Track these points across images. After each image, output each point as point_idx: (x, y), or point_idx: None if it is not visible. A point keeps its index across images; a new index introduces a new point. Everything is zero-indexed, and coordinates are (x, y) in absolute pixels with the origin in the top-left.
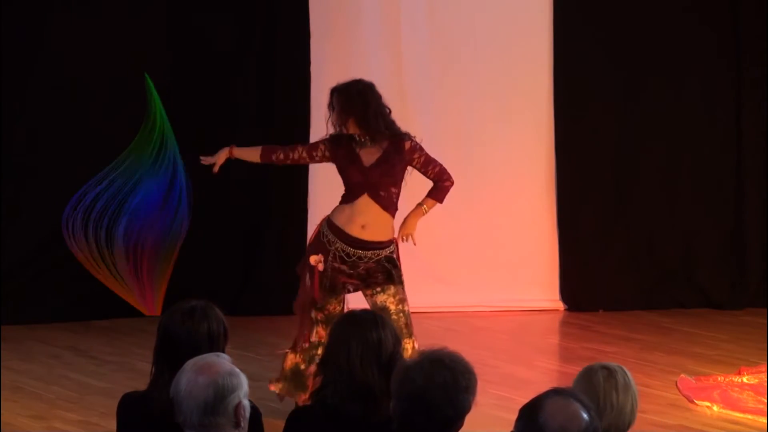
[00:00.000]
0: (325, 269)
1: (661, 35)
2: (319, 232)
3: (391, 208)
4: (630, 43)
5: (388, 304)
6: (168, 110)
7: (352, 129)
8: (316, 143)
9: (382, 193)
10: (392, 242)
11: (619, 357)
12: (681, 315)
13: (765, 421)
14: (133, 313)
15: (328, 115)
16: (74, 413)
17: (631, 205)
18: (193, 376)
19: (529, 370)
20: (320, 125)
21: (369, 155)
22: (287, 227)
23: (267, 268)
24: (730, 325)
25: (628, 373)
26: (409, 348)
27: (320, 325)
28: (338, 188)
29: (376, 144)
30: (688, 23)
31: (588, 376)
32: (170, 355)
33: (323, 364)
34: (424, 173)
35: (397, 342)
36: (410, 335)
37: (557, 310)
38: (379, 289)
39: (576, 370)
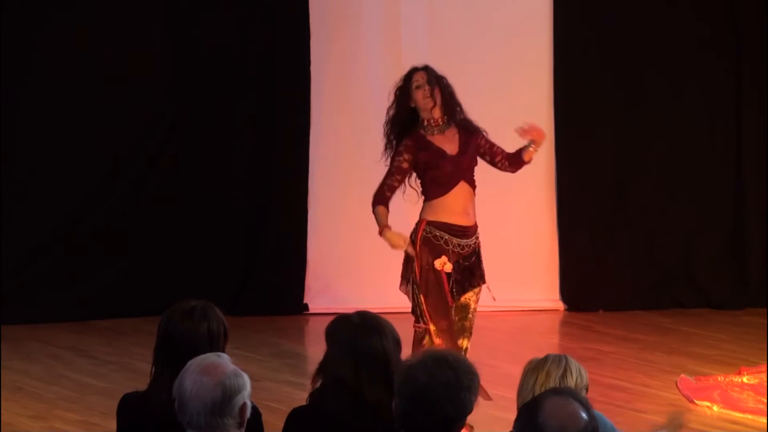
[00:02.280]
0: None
1: (660, 35)
2: (425, 238)
3: (475, 187)
4: (630, 43)
5: (470, 302)
6: (168, 110)
7: (435, 113)
8: (398, 163)
9: (472, 176)
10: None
11: (619, 357)
12: (681, 315)
13: (765, 421)
14: (133, 313)
15: (391, 100)
16: (74, 413)
17: (631, 205)
18: (198, 377)
19: None
20: (320, 125)
21: (447, 143)
22: (287, 227)
23: (267, 268)
24: (730, 325)
25: (573, 363)
26: (468, 348)
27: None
28: (338, 189)
29: (446, 130)
30: (687, 24)
31: (529, 364)
32: (170, 355)
33: (320, 367)
34: (491, 156)
35: (393, 344)
36: (470, 335)
37: (557, 310)
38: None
39: None
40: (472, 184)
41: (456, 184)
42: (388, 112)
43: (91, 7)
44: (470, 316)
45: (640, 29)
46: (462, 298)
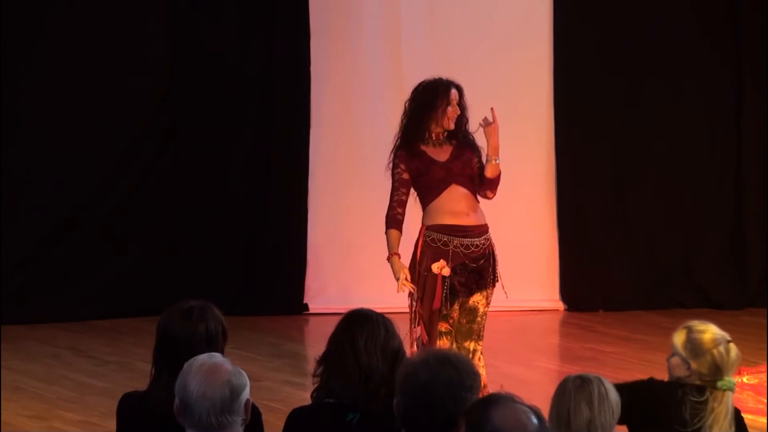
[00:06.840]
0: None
1: (660, 35)
2: (426, 243)
3: (476, 196)
4: (630, 44)
5: (479, 305)
6: (168, 111)
7: (449, 125)
8: (399, 176)
9: (467, 180)
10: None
11: (619, 357)
12: (681, 315)
13: (765, 421)
14: (133, 313)
15: (405, 109)
16: (74, 413)
17: (631, 205)
18: (203, 377)
19: (529, 370)
20: (321, 125)
21: (440, 153)
22: (287, 227)
23: (267, 268)
24: (730, 325)
25: (606, 383)
26: (478, 350)
27: (444, 336)
28: (338, 188)
29: (444, 144)
30: (687, 25)
31: (562, 386)
32: (169, 356)
33: (324, 359)
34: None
35: (401, 343)
36: (480, 339)
37: (557, 310)
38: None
39: (576, 370)
40: (468, 187)
41: (447, 186)
42: (402, 121)
43: (91, 7)
44: (479, 319)
45: (639, 29)
46: (470, 301)
